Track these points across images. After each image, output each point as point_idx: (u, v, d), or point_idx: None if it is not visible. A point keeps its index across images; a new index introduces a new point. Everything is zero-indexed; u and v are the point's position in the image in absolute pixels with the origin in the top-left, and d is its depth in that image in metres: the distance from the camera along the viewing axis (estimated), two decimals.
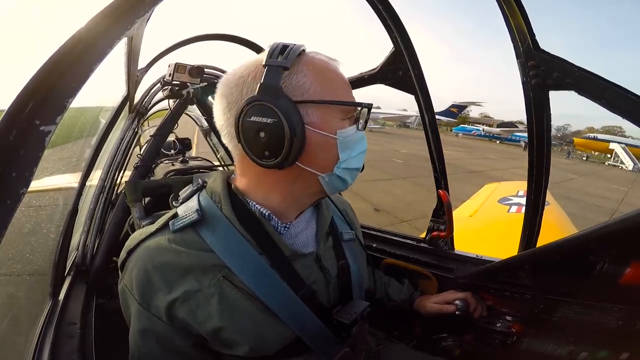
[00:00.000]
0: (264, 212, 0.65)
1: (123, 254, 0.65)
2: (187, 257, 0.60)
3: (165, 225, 0.64)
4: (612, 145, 26.51)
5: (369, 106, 0.62)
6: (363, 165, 0.66)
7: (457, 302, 1.01)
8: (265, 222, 0.64)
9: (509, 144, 38.91)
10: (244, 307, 0.61)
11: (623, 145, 23.55)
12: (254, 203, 0.65)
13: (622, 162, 21.74)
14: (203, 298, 0.60)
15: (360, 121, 0.63)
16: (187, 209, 0.65)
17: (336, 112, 0.60)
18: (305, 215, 0.72)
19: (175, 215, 0.65)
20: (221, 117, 0.62)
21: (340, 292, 0.75)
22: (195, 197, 0.67)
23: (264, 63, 0.56)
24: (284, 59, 0.56)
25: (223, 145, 0.74)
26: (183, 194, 0.71)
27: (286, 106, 0.54)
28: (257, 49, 1.67)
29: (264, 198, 0.65)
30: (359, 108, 0.63)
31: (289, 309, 0.64)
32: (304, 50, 0.60)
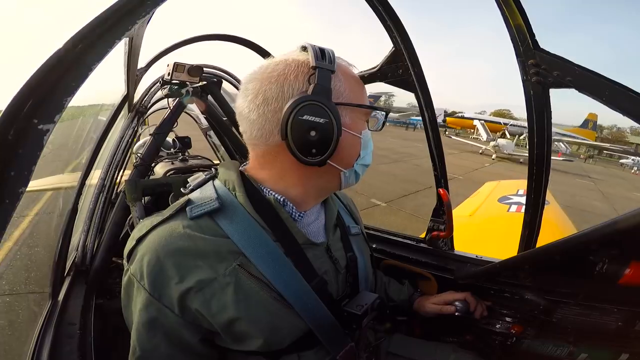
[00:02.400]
0: (279, 198, 0.66)
1: (131, 242, 0.62)
2: (203, 242, 0.59)
3: (179, 211, 0.63)
4: (474, 122, 31.92)
5: (388, 111, 0.72)
6: None
7: (456, 302, 1.01)
8: (280, 208, 0.65)
9: (398, 126, 49.52)
10: (259, 297, 0.60)
11: (482, 122, 28.57)
12: (269, 190, 0.66)
13: (480, 135, 26.98)
14: (218, 287, 0.58)
15: (377, 123, 0.72)
16: (203, 197, 0.64)
17: (361, 114, 0.66)
18: (316, 207, 0.73)
19: (189, 202, 0.64)
20: (253, 111, 0.61)
21: (348, 284, 0.75)
22: (209, 185, 0.67)
23: (313, 64, 0.58)
24: (329, 62, 0.59)
25: (223, 143, 0.76)
26: (193, 181, 0.70)
27: (335, 108, 0.59)
28: (256, 48, 1.67)
29: (284, 189, 0.66)
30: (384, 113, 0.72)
31: (302, 300, 0.63)
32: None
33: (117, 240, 1.18)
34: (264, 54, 1.67)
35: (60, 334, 0.78)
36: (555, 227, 2.66)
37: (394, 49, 1.14)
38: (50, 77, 0.35)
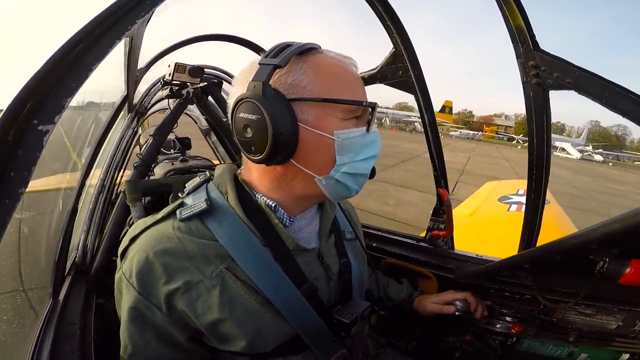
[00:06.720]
0: (270, 203, 0.65)
1: (125, 242, 0.64)
2: (191, 245, 0.60)
3: (171, 213, 0.64)
4: None
5: (373, 105, 0.59)
6: (374, 172, 0.64)
7: (456, 302, 1.01)
8: (271, 213, 0.64)
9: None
10: (244, 300, 0.60)
11: None
12: (260, 195, 0.65)
13: None
14: (204, 289, 0.59)
15: (372, 124, 0.61)
16: (195, 199, 0.65)
17: (336, 111, 0.57)
18: (310, 212, 0.72)
19: (182, 205, 0.64)
20: (229, 113, 0.61)
21: (341, 291, 0.74)
22: (203, 188, 0.68)
23: (258, 61, 0.57)
24: (276, 57, 0.55)
25: (223, 143, 0.75)
26: (190, 185, 0.70)
27: (273, 103, 0.54)
28: (257, 49, 1.66)
29: (267, 192, 0.65)
30: (370, 109, 0.61)
31: (290, 304, 0.63)
32: (312, 49, 0.60)
33: (117, 240, 1.18)
34: None
35: (61, 333, 0.78)
36: (555, 227, 2.65)
37: (394, 50, 1.14)
38: (50, 78, 0.35)
